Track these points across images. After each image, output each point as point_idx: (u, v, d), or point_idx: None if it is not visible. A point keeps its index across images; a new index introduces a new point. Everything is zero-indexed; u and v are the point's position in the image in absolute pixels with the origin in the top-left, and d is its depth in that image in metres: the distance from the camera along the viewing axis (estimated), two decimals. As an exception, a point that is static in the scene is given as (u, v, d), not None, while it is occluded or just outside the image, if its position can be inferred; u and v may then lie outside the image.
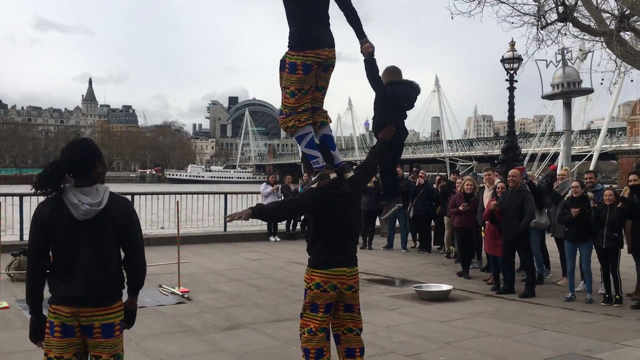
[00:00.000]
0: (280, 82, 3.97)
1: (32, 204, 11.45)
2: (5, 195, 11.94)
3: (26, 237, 11.07)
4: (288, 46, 3.96)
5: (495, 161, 16.99)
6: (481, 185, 10.16)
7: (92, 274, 2.96)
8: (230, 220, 3.77)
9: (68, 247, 2.97)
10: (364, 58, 4.16)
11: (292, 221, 14.06)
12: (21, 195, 11.84)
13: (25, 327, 5.93)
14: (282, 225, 14.23)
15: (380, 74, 4.34)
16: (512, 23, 10.73)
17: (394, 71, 4.44)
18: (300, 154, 4.66)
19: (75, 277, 2.96)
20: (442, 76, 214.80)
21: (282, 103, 4.02)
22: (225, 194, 14.87)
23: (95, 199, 2.95)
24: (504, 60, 16.36)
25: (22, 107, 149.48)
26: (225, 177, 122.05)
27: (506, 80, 16.58)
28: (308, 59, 3.88)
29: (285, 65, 3.93)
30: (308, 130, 3.98)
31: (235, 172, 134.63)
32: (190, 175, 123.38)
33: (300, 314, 3.94)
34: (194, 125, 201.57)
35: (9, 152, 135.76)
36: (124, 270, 3.13)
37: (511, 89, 16.69)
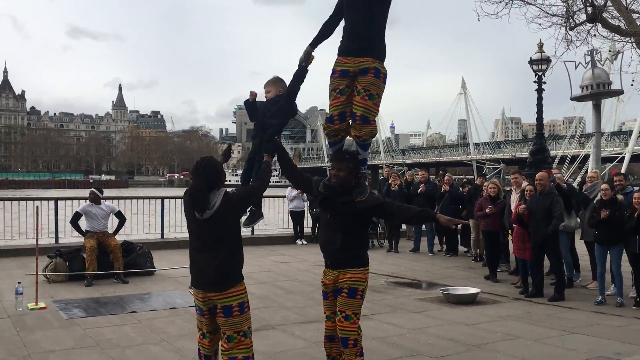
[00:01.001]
0: (371, 90, 4.16)
1: (66, 208, 11.88)
2: (41, 199, 12.33)
3: (61, 240, 11.56)
4: (381, 58, 4.23)
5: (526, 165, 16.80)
6: (508, 188, 10.09)
7: (206, 265, 3.62)
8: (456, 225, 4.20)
9: (193, 239, 3.75)
10: (302, 65, 4.35)
11: (318, 224, 14.13)
12: (56, 200, 12.21)
13: (62, 327, 6.16)
14: (307, 229, 14.32)
15: (273, 82, 4.40)
16: (540, 25, 10.69)
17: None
18: (327, 157, 4.93)
19: (196, 266, 3.69)
20: (468, 78, 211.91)
21: (369, 110, 4.17)
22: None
23: (211, 203, 3.62)
24: (532, 62, 16.17)
25: (55, 113, 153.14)
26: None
27: (534, 81, 16.39)
28: None
29: (381, 75, 4.20)
30: None
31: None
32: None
33: (357, 315, 4.10)
34: (221, 130, 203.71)
35: (42, 157, 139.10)
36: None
37: (539, 91, 16.49)
